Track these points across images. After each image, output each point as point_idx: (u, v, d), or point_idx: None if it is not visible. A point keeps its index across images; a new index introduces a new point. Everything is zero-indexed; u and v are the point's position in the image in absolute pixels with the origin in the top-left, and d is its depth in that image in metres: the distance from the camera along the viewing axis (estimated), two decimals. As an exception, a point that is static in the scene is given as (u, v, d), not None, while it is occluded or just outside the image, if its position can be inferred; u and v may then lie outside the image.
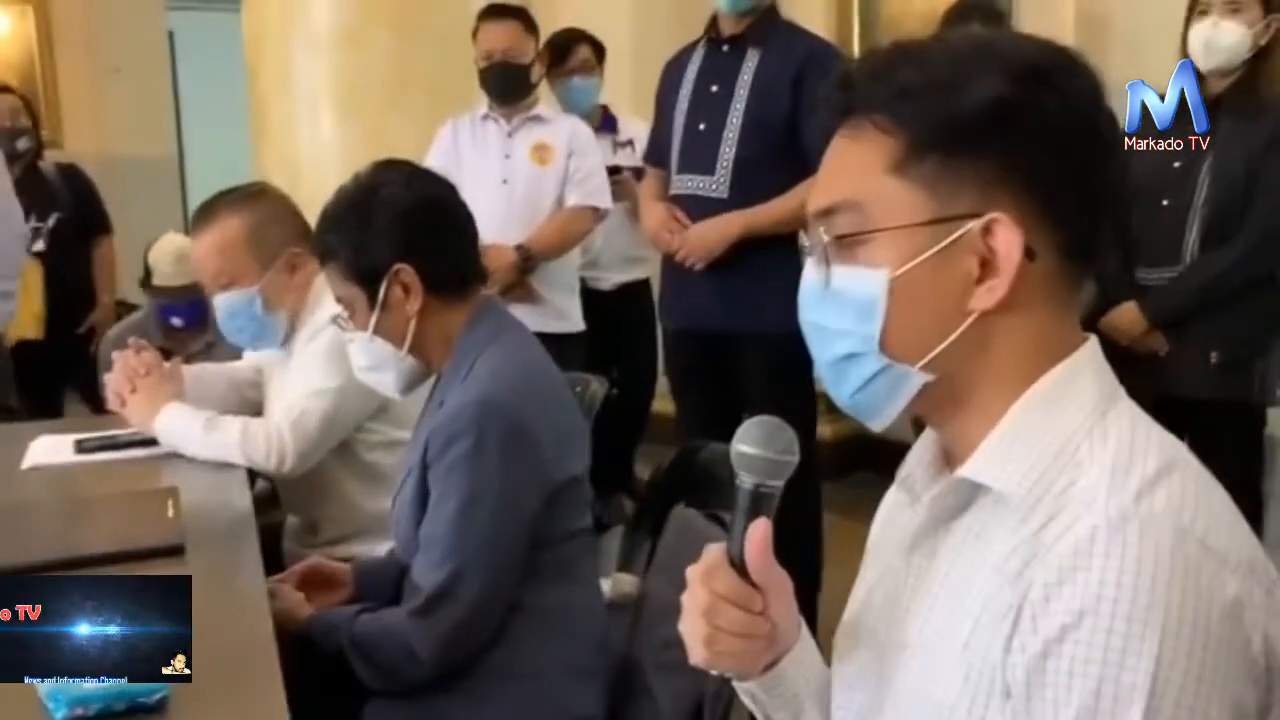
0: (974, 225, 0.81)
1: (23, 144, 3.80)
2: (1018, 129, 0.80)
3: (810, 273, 0.89)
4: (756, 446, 0.90)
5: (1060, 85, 0.81)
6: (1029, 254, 0.81)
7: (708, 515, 1.62)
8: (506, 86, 3.18)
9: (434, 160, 3.19)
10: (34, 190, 3.72)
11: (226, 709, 1.20)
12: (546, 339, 3.11)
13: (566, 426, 1.68)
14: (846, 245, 0.85)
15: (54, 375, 3.58)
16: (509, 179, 3.20)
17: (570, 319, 3.31)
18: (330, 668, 1.58)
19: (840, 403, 0.91)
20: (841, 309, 0.86)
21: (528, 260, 3.13)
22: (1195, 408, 2.48)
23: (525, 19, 3.22)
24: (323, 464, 2.08)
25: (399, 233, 1.67)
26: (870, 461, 4.11)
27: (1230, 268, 2.46)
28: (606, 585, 1.73)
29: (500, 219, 3.13)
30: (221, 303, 2.15)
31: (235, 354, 3.11)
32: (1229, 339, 2.50)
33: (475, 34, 3.21)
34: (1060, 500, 0.78)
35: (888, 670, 0.91)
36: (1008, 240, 0.81)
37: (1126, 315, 2.53)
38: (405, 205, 1.68)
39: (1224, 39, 2.43)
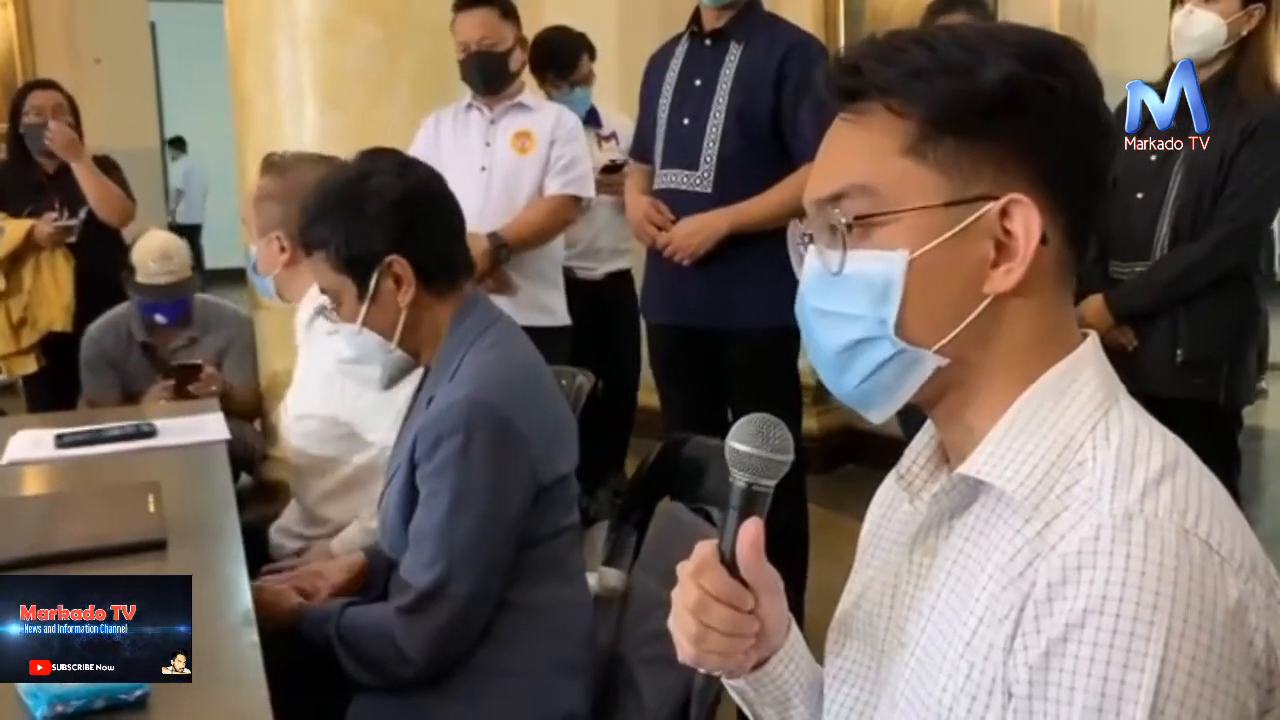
0: (992, 207, 0.81)
1: None
2: (1032, 110, 0.80)
3: (815, 260, 0.87)
4: (751, 445, 0.89)
5: (1068, 70, 0.81)
6: (1042, 237, 0.81)
7: (693, 508, 1.62)
8: (486, 76, 3.12)
9: (417, 154, 3.16)
10: (68, 184, 3.71)
11: (209, 705, 1.19)
12: (528, 333, 3.12)
13: (555, 424, 1.67)
14: (861, 228, 0.84)
15: (77, 368, 3.58)
16: (487, 166, 3.15)
17: (554, 313, 3.25)
18: (316, 664, 1.57)
19: (841, 393, 0.89)
20: (854, 293, 0.84)
21: (501, 249, 3.06)
22: (1165, 405, 2.46)
23: (501, 5, 3.14)
24: (350, 488, 2.08)
25: (392, 222, 1.64)
26: (857, 455, 4.12)
27: (1197, 264, 2.43)
28: (593, 580, 1.72)
29: (477, 207, 3.06)
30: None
31: (220, 350, 3.10)
32: (1195, 337, 2.46)
33: (452, 26, 3.17)
34: (1063, 500, 0.78)
35: (884, 668, 0.90)
36: (1026, 222, 0.80)
37: (1092, 308, 2.50)
38: (398, 194, 1.65)
39: (1195, 28, 2.39)
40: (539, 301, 3.20)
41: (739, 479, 0.89)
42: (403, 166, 1.70)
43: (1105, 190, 0.85)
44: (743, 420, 0.90)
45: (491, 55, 3.10)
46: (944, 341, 0.83)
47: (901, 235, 0.82)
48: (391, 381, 1.75)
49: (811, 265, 0.88)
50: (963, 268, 0.82)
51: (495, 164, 3.15)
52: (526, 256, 3.13)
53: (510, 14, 3.14)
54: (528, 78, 3.47)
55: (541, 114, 3.21)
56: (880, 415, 0.89)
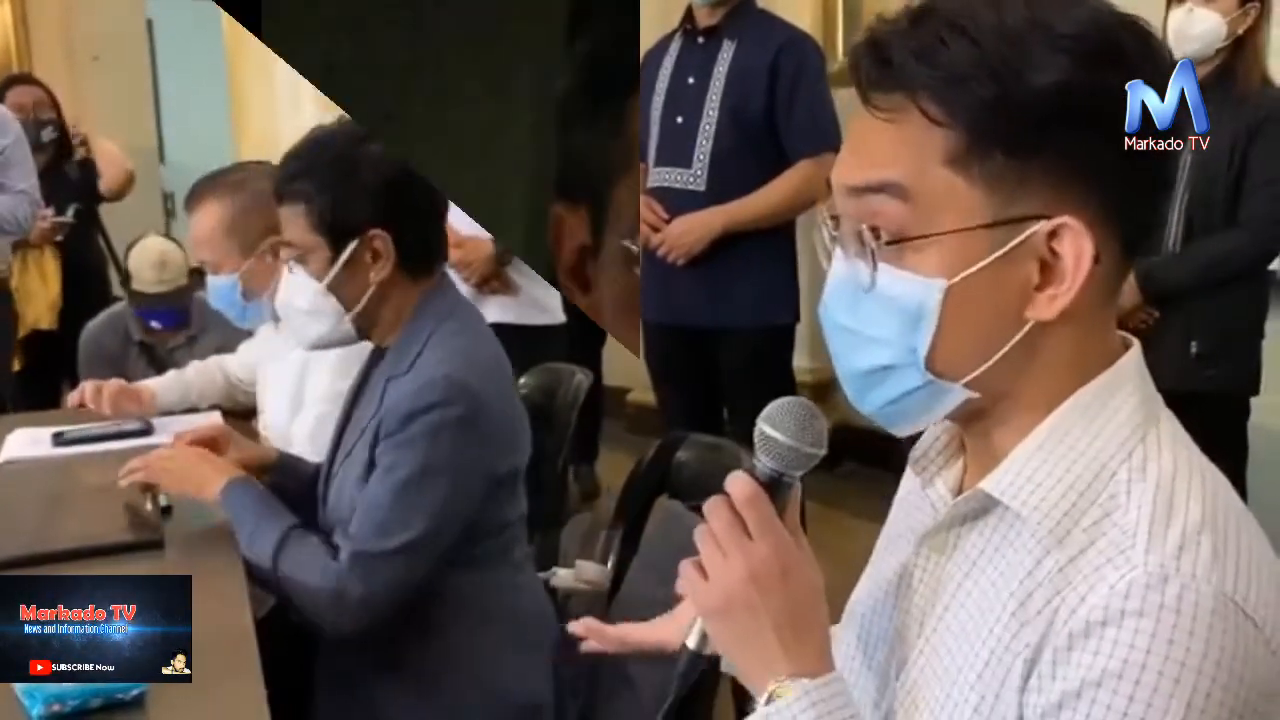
0: (1040, 228, 0.73)
1: (48, 134, 3.75)
2: (1090, 119, 0.72)
3: (843, 269, 0.79)
4: (787, 435, 0.80)
5: (1132, 65, 0.72)
6: (1096, 257, 0.74)
7: (690, 507, 1.62)
8: None
9: None
10: (54, 182, 3.70)
11: (205, 704, 1.20)
12: (527, 331, 3.12)
13: (515, 417, 1.66)
14: (894, 249, 0.76)
15: (61, 367, 3.57)
16: None
17: (550, 310, 3.26)
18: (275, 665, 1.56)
19: (863, 410, 0.82)
20: (883, 316, 0.77)
21: (506, 252, 3.09)
22: (1176, 398, 2.47)
23: None
24: None
25: (383, 195, 1.59)
26: (855, 452, 4.11)
27: (1237, 249, 2.44)
28: (569, 573, 1.72)
29: None
30: (210, 286, 2.24)
31: (219, 348, 3.09)
32: (1210, 328, 2.48)
33: None
34: (1091, 534, 0.73)
35: (887, 661, 0.87)
36: (1076, 246, 0.73)
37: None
38: (394, 166, 1.59)
39: (1196, 26, 2.42)
40: (538, 300, 3.20)
41: (765, 465, 0.81)
42: None
43: (1167, 195, 0.78)
44: (780, 404, 0.82)
45: None
46: (977, 373, 0.76)
47: (938, 258, 0.74)
48: (319, 346, 1.71)
49: (838, 273, 0.80)
50: (1004, 294, 0.74)
51: None
52: None
53: None
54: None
55: None
56: (903, 433, 0.83)
